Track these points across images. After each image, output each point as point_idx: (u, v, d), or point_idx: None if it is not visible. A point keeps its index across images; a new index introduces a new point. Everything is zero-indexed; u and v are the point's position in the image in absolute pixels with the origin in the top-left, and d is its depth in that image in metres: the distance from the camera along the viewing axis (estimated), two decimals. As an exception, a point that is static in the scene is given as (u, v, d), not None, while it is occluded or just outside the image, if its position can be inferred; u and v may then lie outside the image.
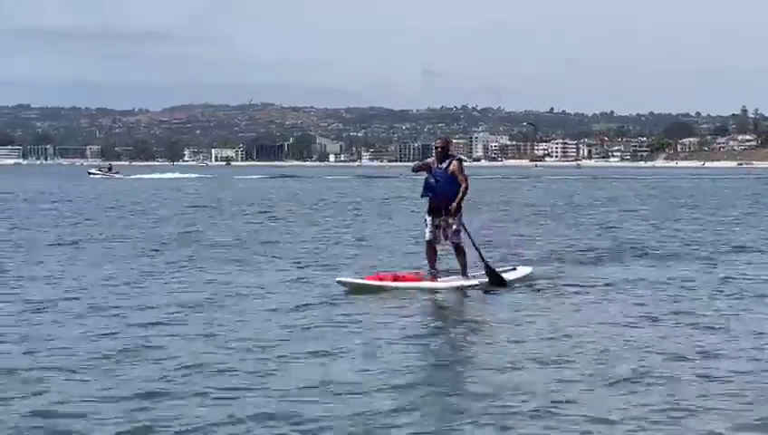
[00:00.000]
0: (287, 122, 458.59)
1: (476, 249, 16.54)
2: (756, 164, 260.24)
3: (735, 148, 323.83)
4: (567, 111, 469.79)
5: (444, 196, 16.16)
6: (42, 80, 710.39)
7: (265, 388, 9.39)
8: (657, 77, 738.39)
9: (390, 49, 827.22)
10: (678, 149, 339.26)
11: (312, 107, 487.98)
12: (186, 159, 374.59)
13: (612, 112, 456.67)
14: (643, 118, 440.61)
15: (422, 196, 16.48)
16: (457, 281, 16.42)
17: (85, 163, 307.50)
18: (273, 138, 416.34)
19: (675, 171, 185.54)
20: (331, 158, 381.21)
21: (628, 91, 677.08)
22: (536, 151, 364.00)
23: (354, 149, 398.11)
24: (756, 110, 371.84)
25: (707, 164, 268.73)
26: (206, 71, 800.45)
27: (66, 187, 80.00)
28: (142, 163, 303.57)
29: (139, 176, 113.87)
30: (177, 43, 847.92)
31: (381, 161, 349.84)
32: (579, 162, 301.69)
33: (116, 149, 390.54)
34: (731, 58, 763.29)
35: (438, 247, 16.47)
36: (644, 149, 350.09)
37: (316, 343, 11.64)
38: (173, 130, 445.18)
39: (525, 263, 19.19)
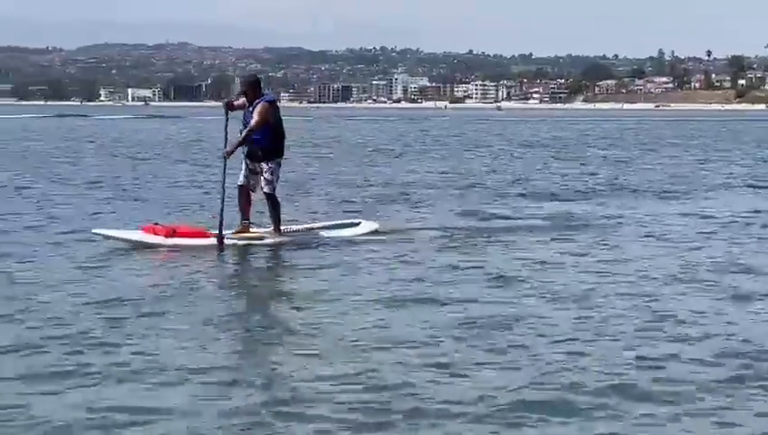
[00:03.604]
0: (205, 62, 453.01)
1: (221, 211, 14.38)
2: (673, 106, 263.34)
3: (652, 90, 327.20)
4: (486, 53, 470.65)
5: (255, 141, 14.48)
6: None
7: None
8: (575, 19, 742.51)
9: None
10: (596, 91, 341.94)
11: (229, 47, 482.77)
12: (102, 98, 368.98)
13: (531, 54, 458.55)
14: (561, 60, 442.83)
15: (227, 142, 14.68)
16: (257, 237, 14.66)
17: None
18: (191, 78, 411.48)
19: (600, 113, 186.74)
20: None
21: (547, 33, 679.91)
22: (456, 93, 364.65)
23: (272, 89, 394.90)
24: (672, 52, 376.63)
25: (626, 106, 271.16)
26: (122, 9, 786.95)
27: None
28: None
29: None
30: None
31: (300, 102, 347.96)
32: (499, 104, 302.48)
33: (30, 88, 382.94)
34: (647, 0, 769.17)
35: (255, 197, 14.81)
36: (562, 90, 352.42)
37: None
38: (88, 70, 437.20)
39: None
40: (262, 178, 14.63)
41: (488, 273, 12.18)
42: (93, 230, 14.53)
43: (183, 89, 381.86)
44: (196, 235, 14.38)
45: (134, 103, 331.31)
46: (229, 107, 14.64)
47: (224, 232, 14.48)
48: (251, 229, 14.75)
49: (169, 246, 13.94)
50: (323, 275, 12.08)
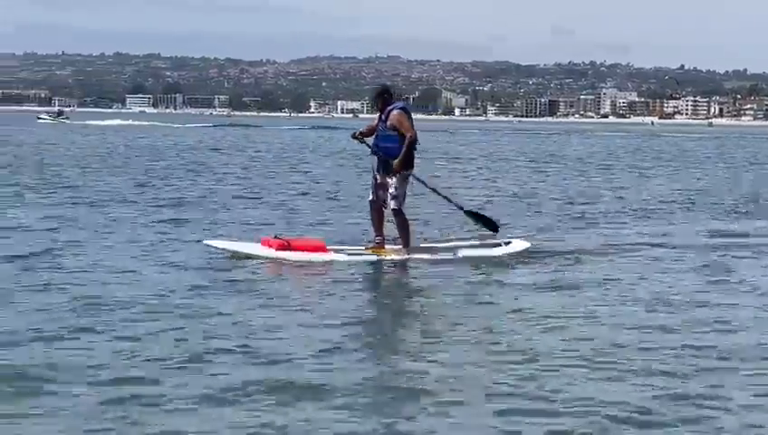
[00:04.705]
0: (413, 75, 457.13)
1: (443, 196, 14.97)
2: None
3: None
4: (698, 69, 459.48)
5: (384, 151, 13.96)
6: (172, 30, 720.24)
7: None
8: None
9: (518, 3, 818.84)
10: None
11: (438, 60, 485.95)
12: (311, 110, 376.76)
13: (746, 70, 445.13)
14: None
15: (371, 153, 14.31)
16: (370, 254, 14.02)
17: (214, 113, 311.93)
18: (399, 91, 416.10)
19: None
20: (457, 112, 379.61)
21: (763, 48, 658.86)
22: (665, 109, 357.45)
23: (480, 103, 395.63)
24: None
25: None
26: (334, 23, 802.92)
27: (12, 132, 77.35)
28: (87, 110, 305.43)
29: (89, 122, 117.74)
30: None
31: (507, 116, 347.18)
32: (711, 120, 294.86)
33: (243, 99, 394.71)
34: None
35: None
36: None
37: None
38: (300, 82, 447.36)
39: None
40: (388, 192, 14.07)
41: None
42: (205, 242, 14.22)
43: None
44: (313, 249, 13.80)
45: (343, 115, 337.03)
46: (361, 136, 14.33)
47: (356, 247, 14.35)
48: (386, 246, 14.23)
49: (278, 259, 13.49)
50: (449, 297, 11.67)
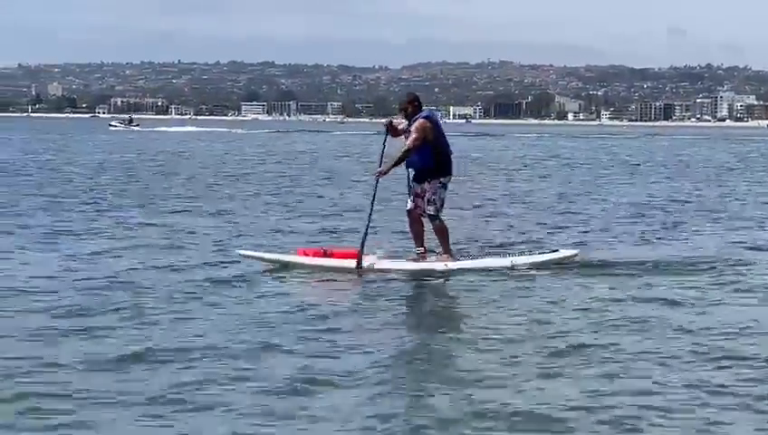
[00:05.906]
0: (525, 80, 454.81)
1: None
2: None
3: None
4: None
5: (411, 161, 13.70)
6: (286, 38, 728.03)
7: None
8: None
9: (632, 6, 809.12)
10: None
11: (550, 65, 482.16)
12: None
13: None
14: None
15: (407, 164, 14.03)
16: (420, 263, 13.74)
17: (327, 119, 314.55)
18: (512, 96, 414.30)
19: None
20: (570, 116, 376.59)
21: None
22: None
23: (593, 107, 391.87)
24: None
25: None
26: (445, 29, 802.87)
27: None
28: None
29: (160, 129, 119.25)
30: (416, 1, 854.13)
31: (621, 120, 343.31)
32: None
33: (356, 105, 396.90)
34: None
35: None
36: None
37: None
38: (412, 88, 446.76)
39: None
40: (425, 199, 13.80)
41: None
42: (239, 252, 14.13)
43: (503, 107, 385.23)
44: (352, 257, 13.60)
45: (455, 121, 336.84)
46: (392, 130, 14.00)
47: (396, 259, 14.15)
48: (427, 257, 13.94)
49: (316, 267, 13.49)
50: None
